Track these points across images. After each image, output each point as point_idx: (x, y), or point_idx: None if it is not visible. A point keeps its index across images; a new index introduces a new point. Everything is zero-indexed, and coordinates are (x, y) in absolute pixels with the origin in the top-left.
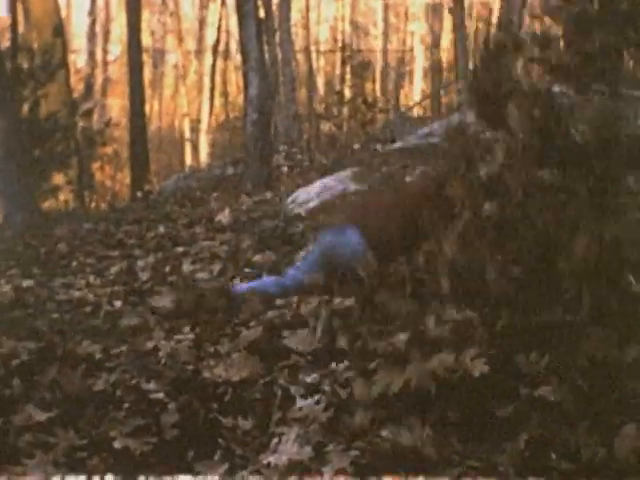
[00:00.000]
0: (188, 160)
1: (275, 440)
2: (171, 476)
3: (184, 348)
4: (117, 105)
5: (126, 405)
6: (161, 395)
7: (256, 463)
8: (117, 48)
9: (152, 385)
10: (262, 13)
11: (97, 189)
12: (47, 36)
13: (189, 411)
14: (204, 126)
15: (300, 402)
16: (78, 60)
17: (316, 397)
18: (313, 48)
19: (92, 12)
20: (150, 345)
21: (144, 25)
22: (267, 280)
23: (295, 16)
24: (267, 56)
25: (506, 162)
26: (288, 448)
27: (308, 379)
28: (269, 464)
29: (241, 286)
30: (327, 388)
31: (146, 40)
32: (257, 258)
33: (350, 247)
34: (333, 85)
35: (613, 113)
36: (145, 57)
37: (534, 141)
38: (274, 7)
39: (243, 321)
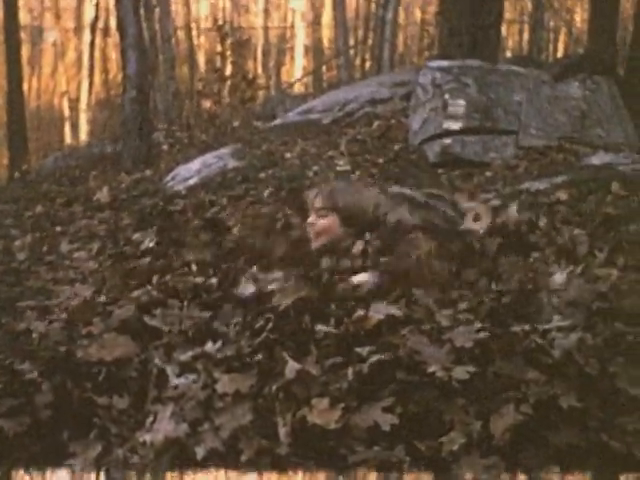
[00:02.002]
0: (67, 139)
1: (150, 418)
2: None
3: (57, 329)
4: None
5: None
6: (35, 375)
7: (132, 441)
8: None
9: (26, 365)
10: None
11: None
12: None
13: (63, 391)
14: (83, 104)
15: (175, 380)
16: None
17: (193, 376)
18: (193, 25)
19: None
20: (23, 326)
21: (21, 2)
22: None
23: None
24: (146, 33)
25: None
26: (164, 426)
27: (182, 358)
28: (144, 442)
29: None
30: (200, 367)
31: (24, 18)
32: (137, 236)
33: None
34: (214, 62)
35: None
36: (23, 35)
37: None
38: None
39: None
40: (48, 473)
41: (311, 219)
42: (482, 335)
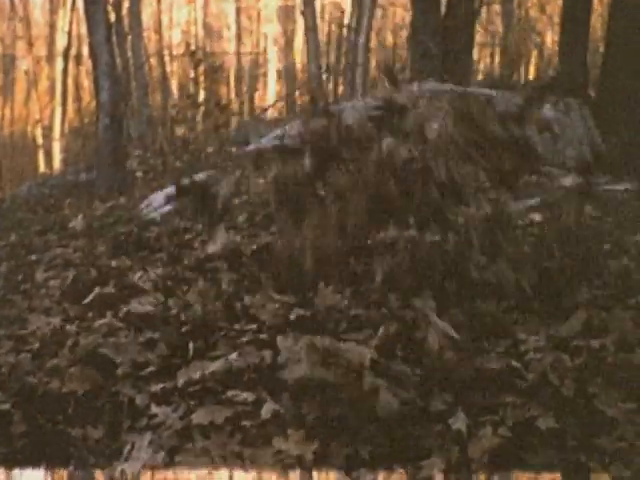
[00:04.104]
0: (41, 167)
1: (127, 447)
2: None
3: (26, 360)
4: None
5: None
6: (7, 406)
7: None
8: None
9: None
10: (113, 17)
11: None
12: None
13: (35, 422)
14: (57, 132)
15: (155, 409)
16: None
17: (173, 405)
18: (166, 52)
19: None
20: None
21: None
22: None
23: (147, 20)
24: (119, 61)
25: None
26: (142, 454)
27: (153, 389)
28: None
29: None
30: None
31: None
32: (113, 263)
33: None
34: (187, 89)
35: None
36: None
37: None
38: (125, 11)
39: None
40: None
41: None
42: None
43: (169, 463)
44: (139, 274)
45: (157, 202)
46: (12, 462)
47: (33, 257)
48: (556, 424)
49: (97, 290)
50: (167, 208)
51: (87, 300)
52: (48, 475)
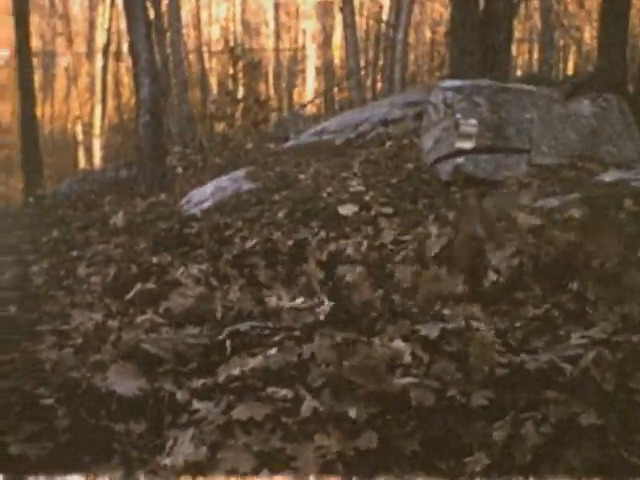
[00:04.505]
0: (81, 163)
1: (170, 442)
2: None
3: (69, 355)
4: (8, 110)
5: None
6: (51, 401)
7: (153, 464)
8: (6, 52)
9: (42, 391)
10: (152, 14)
11: None
12: None
13: (79, 417)
14: (97, 129)
15: (197, 404)
16: None
17: (214, 400)
18: (205, 48)
19: None
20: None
21: (33, 28)
22: None
23: (186, 17)
24: (158, 57)
25: None
26: (184, 449)
27: (193, 385)
28: (165, 466)
29: None
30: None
31: (36, 43)
32: (154, 259)
33: None
34: (226, 85)
35: None
36: (35, 60)
37: None
38: (164, 8)
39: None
40: None
41: None
42: None
43: (211, 458)
44: (180, 270)
45: (197, 198)
46: (56, 457)
47: (75, 253)
48: (598, 420)
49: (139, 286)
50: (207, 204)
51: (129, 296)
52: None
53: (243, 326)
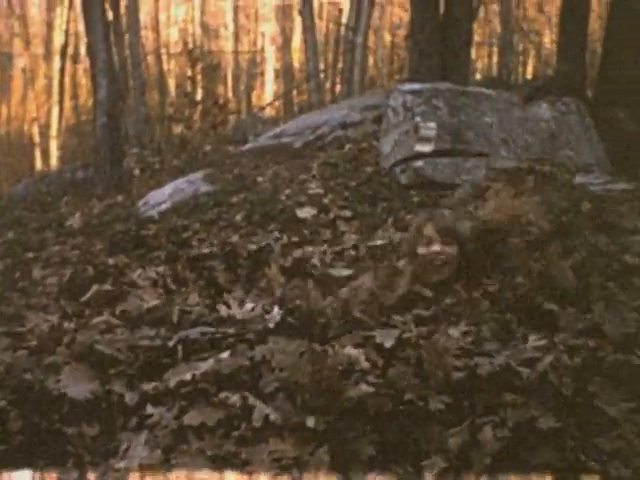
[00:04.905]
0: (38, 165)
1: (124, 446)
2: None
3: (23, 357)
4: None
5: None
6: (4, 403)
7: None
8: None
9: None
10: (110, 16)
11: None
12: None
13: (31, 420)
14: (54, 130)
15: (150, 409)
16: None
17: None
18: (163, 50)
19: None
20: None
21: None
22: None
23: (144, 18)
24: (116, 59)
25: None
26: (138, 452)
27: (145, 387)
28: (120, 469)
29: None
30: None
31: None
32: (110, 261)
33: None
34: (184, 87)
35: None
36: None
37: None
38: (123, 9)
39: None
40: None
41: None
42: None
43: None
44: (137, 272)
45: (154, 200)
46: (8, 460)
47: (30, 255)
48: (556, 424)
49: (95, 288)
50: (164, 206)
51: (85, 297)
52: (44, 473)
53: (192, 333)
